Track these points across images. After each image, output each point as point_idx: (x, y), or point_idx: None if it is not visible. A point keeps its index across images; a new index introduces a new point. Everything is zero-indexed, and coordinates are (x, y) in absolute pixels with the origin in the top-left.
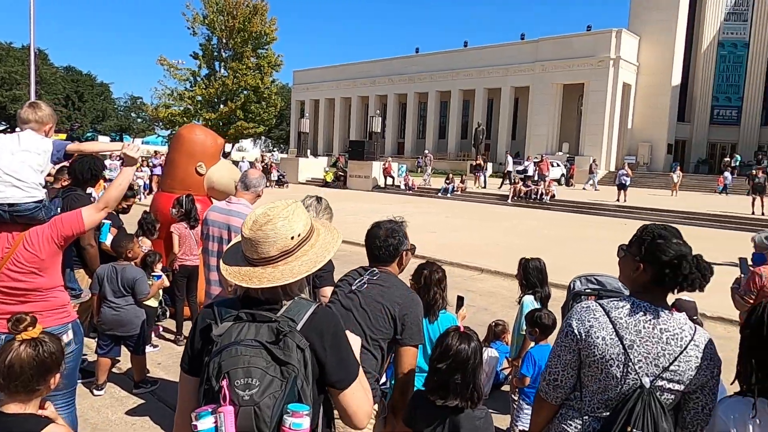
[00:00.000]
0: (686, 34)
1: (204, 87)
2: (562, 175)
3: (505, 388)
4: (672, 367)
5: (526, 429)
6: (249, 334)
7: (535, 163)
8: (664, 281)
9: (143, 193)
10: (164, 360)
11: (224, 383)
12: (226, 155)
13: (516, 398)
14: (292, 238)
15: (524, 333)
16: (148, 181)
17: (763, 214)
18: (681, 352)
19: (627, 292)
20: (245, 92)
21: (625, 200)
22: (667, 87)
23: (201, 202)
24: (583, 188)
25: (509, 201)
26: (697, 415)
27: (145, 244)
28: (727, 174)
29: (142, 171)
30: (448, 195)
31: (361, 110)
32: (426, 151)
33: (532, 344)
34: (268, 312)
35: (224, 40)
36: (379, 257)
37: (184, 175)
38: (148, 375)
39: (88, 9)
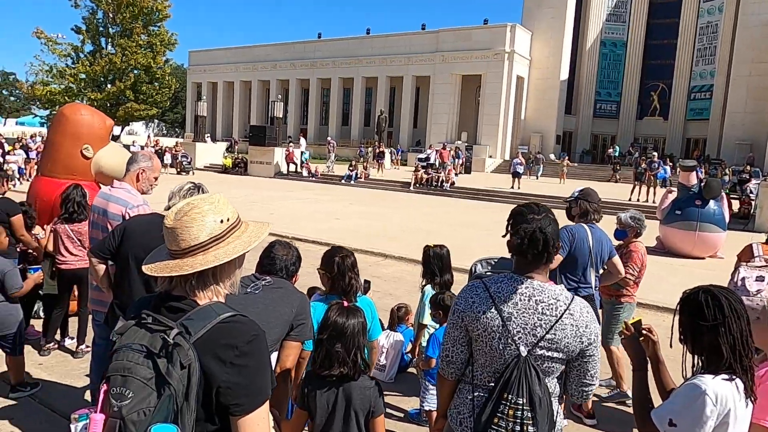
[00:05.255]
0: (573, 32)
1: (88, 64)
2: (462, 164)
3: (411, 370)
4: (548, 336)
5: (433, 409)
6: (143, 338)
7: (437, 151)
8: (523, 255)
9: (18, 179)
10: (47, 360)
11: (103, 388)
12: (115, 138)
13: (422, 380)
14: (222, 222)
15: (423, 323)
16: (23, 165)
17: (638, 200)
18: (556, 321)
19: None
20: (136, 72)
21: (519, 187)
22: (556, 81)
23: (88, 188)
24: (536, 178)
25: (411, 188)
26: (581, 381)
27: (38, 232)
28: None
29: (15, 154)
30: (352, 182)
31: (263, 95)
32: (329, 138)
33: (426, 335)
34: (172, 314)
35: (111, 15)
36: (275, 274)
37: (67, 158)
38: (27, 377)
39: None
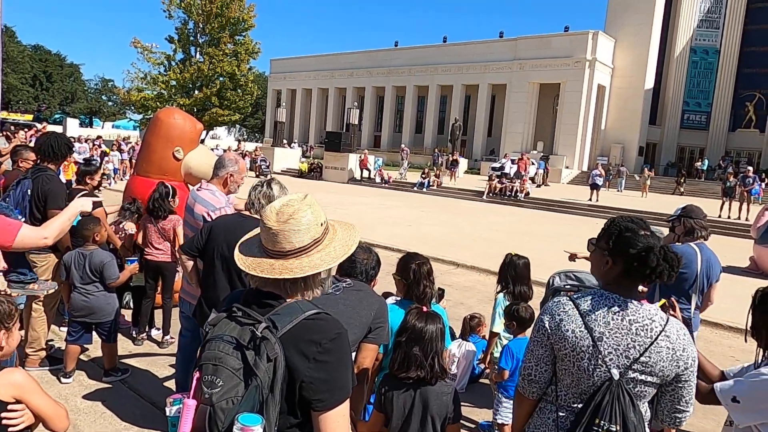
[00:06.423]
0: (660, 38)
1: (179, 72)
2: (537, 174)
3: (484, 381)
4: (642, 359)
5: (506, 422)
6: (233, 330)
7: (513, 161)
8: (633, 274)
9: (113, 178)
10: (135, 349)
11: (196, 376)
12: (200, 142)
13: (496, 392)
14: (321, 224)
15: (494, 331)
16: (118, 166)
17: (729, 217)
18: (651, 343)
19: None
20: (221, 79)
21: (597, 200)
22: (640, 90)
23: (178, 188)
24: (618, 191)
25: (484, 197)
26: (674, 407)
27: (129, 228)
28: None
29: (111, 155)
30: (424, 189)
31: (339, 101)
32: (403, 146)
33: (498, 346)
34: (261, 309)
35: (201, 25)
36: (355, 276)
37: (160, 159)
38: (119, 363)
39: None
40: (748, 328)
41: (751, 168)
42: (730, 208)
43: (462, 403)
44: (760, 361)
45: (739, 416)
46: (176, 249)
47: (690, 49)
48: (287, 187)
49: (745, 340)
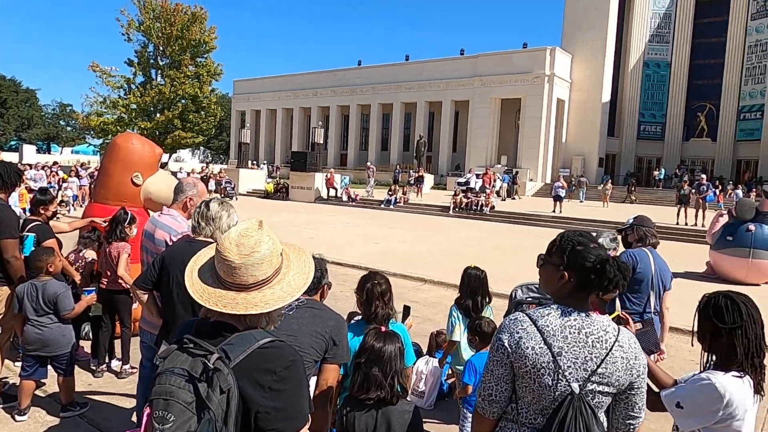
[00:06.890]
0: (615, 53)
1: (139, 95)
2: (501, 187)
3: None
4: (599, 370)
5: None
6: (184, 362)
7: (477, 175)
8: (588, 286)
9: (72, 205)
10: (95, 381)
11: (147, 411)
12: (163, 166)
13: (461, 407)
14: (280, 254)
15: (453, 339)
16: (77, 192)
17: (686, 224)
18: (607, 354)
19: None
20: (183, 101)
21: (560, 211)
22: (597, 103)
23: (138, 214)
24: (580, 201)
25: (450, 212)
26: (628, 414)
27: (90, 256)
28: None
29: (70, 182)
30: (391, 206)
31: (304, 121)
32: (368, 163)
33: (459, 357)
34: (215, 340)
35: (161, 48)
36: (307, 292)
37: (118, 185)
38: (84, 397)
39: (12, 9)
40: (694, 331)
41: (704, 176)
42: (686, 215)
43: (431, 420)
44: (704, 366)
45: (682, 421)
46: (119, 275)
47: (643, 63)
48: (233, 206)
49: (692, 344)
